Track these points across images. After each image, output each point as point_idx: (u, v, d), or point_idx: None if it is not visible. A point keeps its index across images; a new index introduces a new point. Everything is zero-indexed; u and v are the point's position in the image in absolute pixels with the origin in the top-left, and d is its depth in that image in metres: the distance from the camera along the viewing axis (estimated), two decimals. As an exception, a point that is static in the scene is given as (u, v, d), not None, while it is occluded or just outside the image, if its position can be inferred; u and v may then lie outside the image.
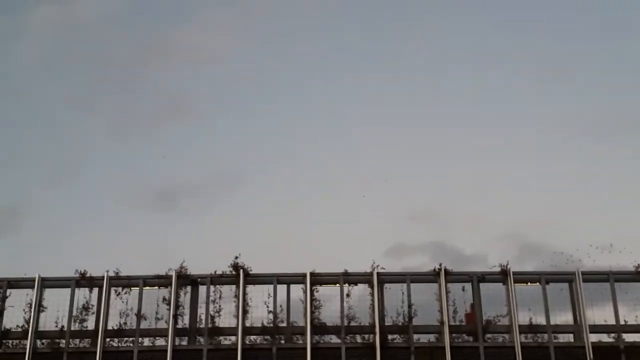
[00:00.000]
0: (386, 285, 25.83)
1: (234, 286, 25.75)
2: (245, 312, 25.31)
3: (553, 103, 53.68)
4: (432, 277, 25.71)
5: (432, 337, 25.37)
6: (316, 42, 56.40)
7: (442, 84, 53.97)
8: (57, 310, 25.42)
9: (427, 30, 55.54)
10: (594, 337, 25.01)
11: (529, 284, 25.84)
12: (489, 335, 25.32)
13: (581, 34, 54.07)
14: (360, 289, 25.86)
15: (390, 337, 25.26)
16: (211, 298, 25.69)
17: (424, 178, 51.69)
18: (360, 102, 54.08)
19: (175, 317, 25.17)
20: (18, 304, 25.49)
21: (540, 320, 25.27)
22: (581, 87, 53.38)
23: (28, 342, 24.67)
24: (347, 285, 25.76)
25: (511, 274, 25.40)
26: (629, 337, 25.22)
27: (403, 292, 25.56)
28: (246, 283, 25.65)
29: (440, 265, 25.63)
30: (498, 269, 25.61)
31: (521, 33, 54.33)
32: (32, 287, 25.39)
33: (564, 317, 25.77)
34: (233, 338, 25.20)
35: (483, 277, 25.72)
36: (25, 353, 24.54)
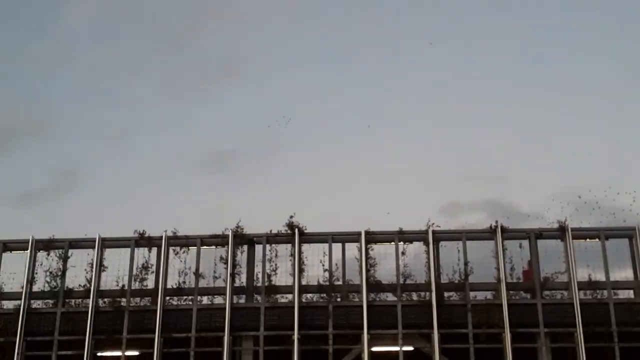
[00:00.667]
0: (442, 243, 25.75)
1: (289, 245, 25.94)
2: (301, 270, 25.51)
3: (614, 59, 52.42)
4: (488, 234, 25.50)
5: (489, 295, 25.32)
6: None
7: (497, 42, 53.08)
8: (117, 269, 26.00)
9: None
10: (654, 293, 24.62)
11: (587, 240, 25.45)
12: (546, 292, 25.15)
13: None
14: (416, 247, 25.83)
15: (446, 294, 25.24)
16: (267, 257, 25.95)
17: (480, 136, 51.16)
18: (412, 64, 53.52)
19: (232, 275, 25.50)
20: (80, 264, 26.12)
21: (600, 276, 24.95)
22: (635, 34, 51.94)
23: (90, 301, 25.28)
24: (402, 243, 25.74)
25: (569, 230, 25.05)
26: (691, 293, 24.77)
27: (459, 250, 25.43)
28: (301, 242, 25.81)
29: (497, 222, 25.43)
30: (556, 226, 25.27)
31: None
32: (93, 247, 25.94)
33: (623, 274, 25.43)
34: (290, 296, 25.46)
35: (540, 234, 25.41)
36: (87, 312, 25.17)
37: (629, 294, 25.33)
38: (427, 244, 25.42)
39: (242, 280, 25.87)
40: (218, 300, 25.68)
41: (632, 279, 25.17)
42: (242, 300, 25.77)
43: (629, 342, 23.96)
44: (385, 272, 25.59)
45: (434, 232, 25.49)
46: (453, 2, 54.50)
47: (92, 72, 55.23)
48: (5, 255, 26.29)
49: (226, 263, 25.66)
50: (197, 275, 25.70)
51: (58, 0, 56.35)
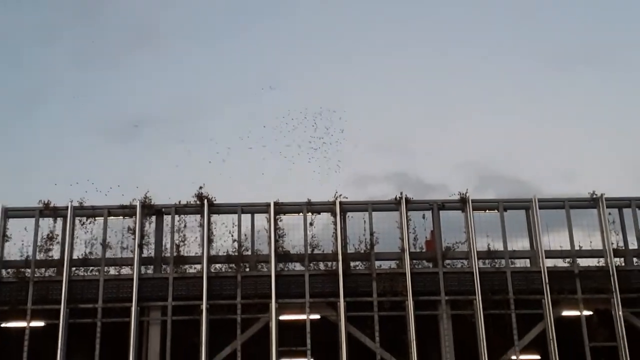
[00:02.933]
0: (349, 214, 26.29)
1: (198, 216, 25.99)
2: (210, 241, 25.63)
3: (517, 34, 53.92)
4: (393, 205, 26.20)
5: (393, 264, 26.06)
6: None
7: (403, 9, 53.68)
8: (21, 240, 25.55)
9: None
10: (549, 263, 25.86)
11: (487, 211, 26.46)
12: (448, 262, 26.04)
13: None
14: (324, 218, 26.31)
15: (352, 264, 25.85)
16: (176, 228, 25.94)
17: (387, 108, 51.96)
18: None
19: (140, 246, 25.42)
20: (-18, 233, 25.47)
21: (498, 246, 26.01)
22: (545, 18, 53.62)
23: (-7, 272, 24.78)
24: (310, 214, 26.16)
25: (470, 202, 25.98)
26: (584, 262, 26.07)
27: (365, 221, 26.05)
28: (211, 213, 25.92)
29: (402, 194, 26.12)
30: (457, 197, 26.16)
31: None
32: (-4, 217, 25.36)
33: (520, 244, 26.56)
34: (198, 267, 25.58)
35: (443, 205, 26.28)
36: (-10, 282, 24.68)
37: (525, 262, 26.50)
38: (334, 214, 25.91)
39: (150, 251, 25.81)
40: (125, 271, 25.52)
41: (529, 249, 26.30)
42: (150, 271, 25.72)
43: (525, 309, 25.14)
44: (294, 242, 26.00)
45: (341, 203, 26.00)
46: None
47: (3, 35, 53.28)
48: None
49: (134, 234, 25.54)
50: (105, 246, 25.50)
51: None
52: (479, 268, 25.39)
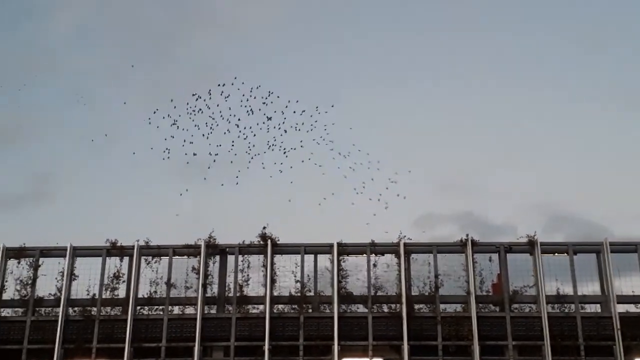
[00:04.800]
0: (413, 255, 25.97)
1: (261, 256, 26.01)
2: (273, 281, 25.59)
3: (587, 73, 53.13)
4: (458, 247, 25.78)
5: (458, 307, 25.55)
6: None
7: (471, 51, 53.58)
8: (88, 278, 25.90)
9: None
10: (621, 308, 25.01)
11: (556, 254, 25.80)
12: (515, 306, 25.40)
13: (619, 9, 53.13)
14: (387, 259, 26.01)
15: (416, 306, 25.43)
16: (239, 267, 26.00)
17: (454, 148, 51.51)
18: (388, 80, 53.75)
19: (204, 286, 25.53)
20: (50, 272, 26.00)
21: (568, 290, 25.29)
22: (616, 58, 52.70)
23: (60, 310, 25.15)
24: (374, 255, 25.91)
25: (538, 245, 25.40)
26: (657, 308, 25.17)
27: (429, 263, 25.68)
28: (274, 253, 25.91)
29: (467, 235, 25.70)
30: (525, 240, 25.58)
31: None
32: (64, 256, 25.84)
33: (591, 288, 25.78)
34: (261, 307, 25.53)
35: (510, 248, 25.73)
36: (57, 320, 25.04)
37: (596, 307, 25.67)
38: (398, 256, 25.62)
39: (213, 290, 25.90)
40: (189, 310, 25.65)
41: (599, 293, 25.51)
42: (214, 311, 25.77)
43: (595, 355, 24.34)
44: (357, 283, 25.76)
45: (405, 244, 25.71)
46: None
47: (71, 78, 54.94)
48: (-24, 262, 26.08)
49: (198, 273, 25.67)
50: (169, 285, 25.68)
51: (39, 10, 56.12)
52: (547, 313, 24.73)
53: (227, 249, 26.34)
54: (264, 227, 26.23)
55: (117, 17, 55.68)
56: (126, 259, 26.20)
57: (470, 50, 54.05)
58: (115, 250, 26.12)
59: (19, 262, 26.01)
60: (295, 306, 25.54)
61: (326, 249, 26.05)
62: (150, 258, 26.20)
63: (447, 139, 52.56)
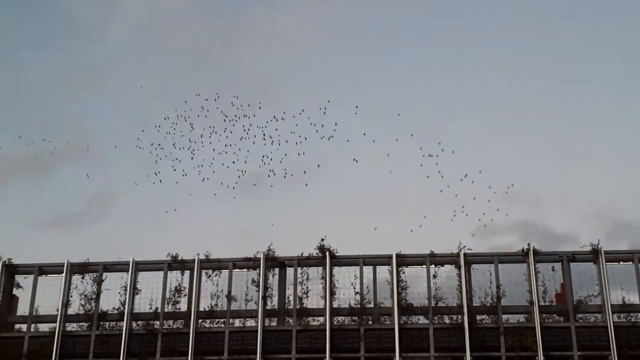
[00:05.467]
0: (473, 265, 25.71)
1: (320, 268, 26.03)
2: (332, 293, 25.58)
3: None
4: (520, 257, 25.45)
5: (521, 318, 25.19)
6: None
7: (529, 62, 53.03)
8: (150, 292, 26.21)
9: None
10: (689, 316, 24.39)
11: (620, 262, 25.29)
12: (580, 315, 24.95)
13: None
14: (447, 270, 25.83)
15: (478, 317, 25.16)
16: (299, 280, 26.04)
17: (512, 156, 50.94)
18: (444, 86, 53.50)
19: (264, 298, 25.63)
20: (113, 287, 26.39)
21: (634, 299, 24.79)
22: None
23: (124, 323, 25.51)
24: (433, 266, 25.73)
25: (602, 253, 24.92)
26: None
27: (491, 273, 25.39)
28: (332, 265, 25.90)
29: (529, 245, 25.36)
30: (589, 248, 25.13)
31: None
32: (127, 271, 26.20)
33: (658, 296, 25.16)
34: (321, 319, 25.51)
35: (573, 257, 25.32)
36: (121, 334, 25.38)
37: (663, 316, 25.05)
38: (458, 267, 25.40)
39: (273, 303, 25.99)
40: (250, 323, 25.78)
41: (667, 302, 24.93)
42: (274, 323, 25.87)
43: (664, 365, 23.73)
44: (417, 294, 25.61)
45: (465, 255, 25.48)
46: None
47: (127, 95, 55.89)
48: (41, 278, 26.60)
49: (258, 286, 25.80)
50: (230, 298, 25.87)
51: (95, 26, 57.21)
52: (613, 322, 24.21)
53: (286, 262, 26.40)
54: (322, 239, 26.30)
55: (165, 33, 56.59)
56: (187, 273, 26.46)
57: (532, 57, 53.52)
58: (176, 264, 26.41)
59: (83, 278, 26.48)
60: (355, 318, 25.46)
61: (385, 260, 25.97)
62: (210, 271, 26.41)
63: (503, 144, 52.04)
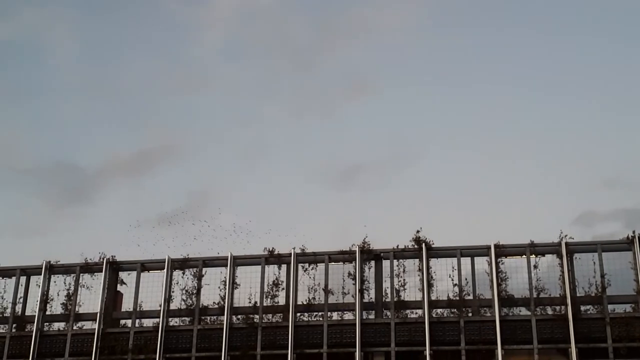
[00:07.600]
0: (576, 255, 24.98)
1: (417, 260, 25.79)
2: (430, 285, 25.32)
3: None
4: (625, 245, 24.59)
5: (628, 307, 24.35)
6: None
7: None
8: (249, 287, 26.54)
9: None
10: None
11: None
12: (692, 304, 23.95)
13: None
14: (548, 260, 25.21)
15: (583, 308, 24.47)
16: (395, 272, 25.88)
17: (614, 142, 49.36)
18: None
19: (361, 291, 25.59)
20: (213, 281, 26.85)
21: None
22: None
23: (225, 317, 25.91)
24: (533, 256, 25.13)
25: None
26: None
27: (594, 262, 24.63)
28: (429, 257, 25.63)
29: (634, 232, 24.45)
30: (699, 234, 24.08)
31: None
32: (226, 265, 26.59)
33: None
34: (419, 311, 25.30)
35: (682, 244, 24.29)
36: (222, 329, 25.80)
37: None
38: (560, 256, 24.73)
39: (370, 295, 25.92)
40: (348, 316, 25.79)
41: None
42: (372, 316, 25.80)
43: None
44: (518, 285, 25.07)
45: (567, 244, 24.78)
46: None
47: (224, 94, 56.91)
48: (144, 274, 27.32)
49: (354, 279, 25.77)
50: (327, 291, 25.93)
51: (190, 27, 58.45)
52: None
53: (382, 254, 26.28)
54: (418, 231, 26.07)
55: (262, 31, 57.23)
56: (284, 267, 26.69)
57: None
58: (273, 258, 26.65)
59: (183, 273, 27.05)
60: (455, 310, 25.14)
61: (483, 251, 25.53)
62: (306, 265, 26.56)
63: (604, 133, 50.49)
